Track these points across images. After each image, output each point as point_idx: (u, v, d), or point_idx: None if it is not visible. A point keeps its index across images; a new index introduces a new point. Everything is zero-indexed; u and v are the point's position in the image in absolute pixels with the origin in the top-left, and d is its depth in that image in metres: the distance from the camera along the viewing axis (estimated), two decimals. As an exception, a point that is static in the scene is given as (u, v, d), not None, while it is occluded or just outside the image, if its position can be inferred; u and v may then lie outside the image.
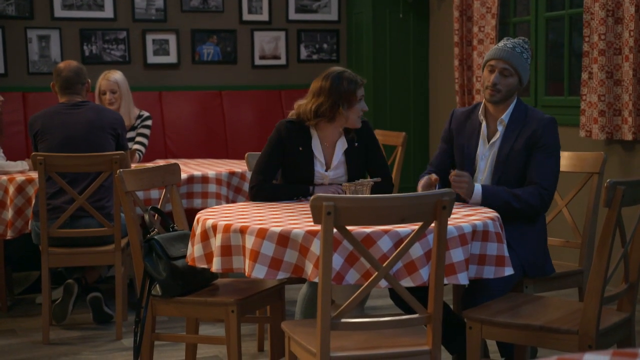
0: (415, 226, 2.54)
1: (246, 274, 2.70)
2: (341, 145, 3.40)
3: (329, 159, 3.40)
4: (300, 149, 3.35)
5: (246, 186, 4.62)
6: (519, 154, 3.11)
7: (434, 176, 3.11)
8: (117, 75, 4.93)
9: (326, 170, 3.38)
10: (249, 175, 4.41)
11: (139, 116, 5.04)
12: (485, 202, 3.05)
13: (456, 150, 3.28)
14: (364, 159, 3.44)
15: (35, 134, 4.17)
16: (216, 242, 2.80)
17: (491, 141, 3.19)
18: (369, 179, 3.23)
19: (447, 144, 3.33)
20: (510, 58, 3.11)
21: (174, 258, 3.00)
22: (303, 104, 3.37)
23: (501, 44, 3.17)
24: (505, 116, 3.17)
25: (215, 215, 2.96)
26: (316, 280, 2.51)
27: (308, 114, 3.32)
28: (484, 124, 3.22)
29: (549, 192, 3.08)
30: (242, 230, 2.73)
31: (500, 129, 3.18)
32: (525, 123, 3.13)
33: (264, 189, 3.32)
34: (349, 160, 3.40)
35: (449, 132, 3.32)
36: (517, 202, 3.05)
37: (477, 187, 3.06)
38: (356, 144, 3.41)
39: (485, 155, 3.20)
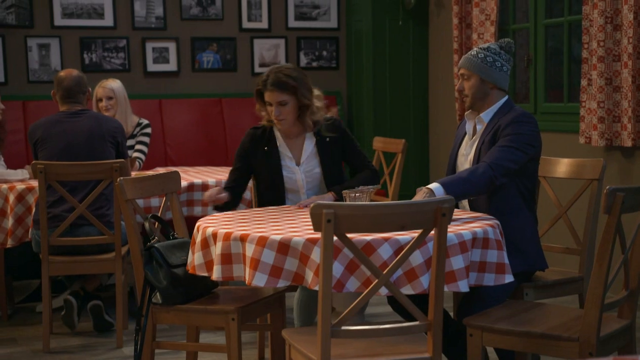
0: (415, 234, 2.55)
1: (246, 282, 2.70)
2: (310, 139, 3.52)
3: (298, 154, 3.52)
4: (266, 148, 3.51)
5: (247, 194, 4.63)
6: (486, 147, 3.14)
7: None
8: (113, 83, 4.96)
9: (297, 165, 3.49)
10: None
11: (138, 124, 5.05)
12: (448, 189, 2.98)
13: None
14: (339, 153, 3.55)
15: (35, 143, 4.17)
16: (216, 250, 2.81)
17: (472, 139, 3.23)
18: (368, 187, 3.24)
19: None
20: (464, 64, 3.25)
21: (175, 266, 3.00)
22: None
23: None
24: (485, 115, 3.21)
25: (216, 223, 2.96)
26: (316, 288, 2.51)
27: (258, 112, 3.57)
28: (467, 124, 3.29)
29: (496, 164, 3.02)
30: (243, 238, 2.73)
31: (479, 127, 3.23)
32: (501, 119, 3.16)
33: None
34: (321, 153, 3.51)
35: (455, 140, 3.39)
36: (470, 174, 3.01)
37: (435, 185, 3.00)
38: (327, 139, 3.52)
39: (467, 153, 3.24)
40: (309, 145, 3.52)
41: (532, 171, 3.19)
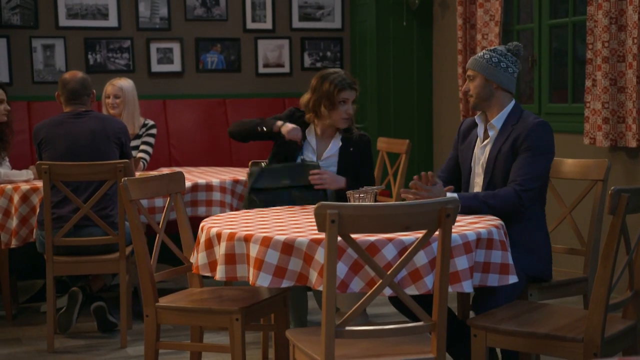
0: (419, 234, 2.54)
1: (250, 282, 2.70)
2: (336, 142, 3.72)
3: (322, 150, 3.72)
4: None
5: (238, 188, 4.63)
6: (505, 157, 3.14)
7: (430, 173, 3.12)
8: (124, 82, 4.98)
9: (318, 159, 3.71)
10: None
11: (144, 125, 5.06)
12: (463, 204, 3.03)
13: (459, 154, 3.34)
14: (354, 166, 3.74)
15: (39, 143, 4.18)
16: (220, 250, 2.81)
17: (483, 143, 3.23)
18: (373, 187, 3.24)
19: (455, 151, 3.38)
20: (470, 64, 3.26)
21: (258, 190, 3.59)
22: (304, 96, 3.77)
23: None
24: (496, 120, 3.21)
25: (220, 224, 2.96)
26: (320, 288, 2.51)
27: (303, 106, 3.76)
28: (479, 127, 3.28)
29: (526, 189, 3.06)
30: (247, 239, 2.73)
31: (492, 133, 3.23)
32: (515, 127, 3.16)
33: (239, 121, 3.81)
34: (341, 158, 3.71)
35: (457, 140, 3.38)
36: (493, 199, 3.06)
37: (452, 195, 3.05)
38: (351, 148, 3.71)
39: (479, 158, 3.24)
40: (334, 147, 3.72)
41: (548, 176, 3.21)
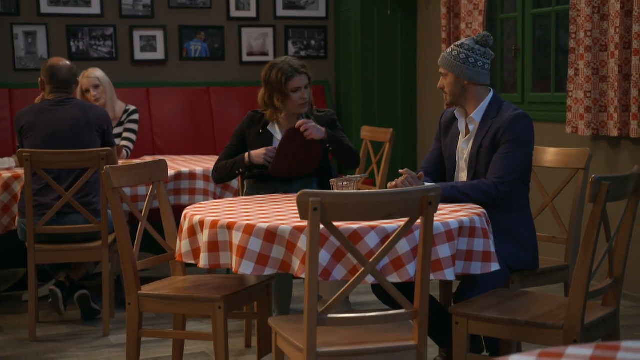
0: (402, 222, 2.55)
1: (233, 270, 2.70)
2: None
3: None
4: (261, 131, 3.72)
5: (234, 183, 4.65)
6: (486, 151, 3.15)
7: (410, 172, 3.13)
8: (96, 71, 4.95)
9: None
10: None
11: (125, 111, 5.02)
12: (445, 197, 3.06)
13: (443, 148, 3.33)
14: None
15: (20, 130, 4.15)
16: (203, 238, 2.81)
17: (465, 138, 3.24)
18: (356, 175, 3.24)
19: (438, 143, 3.38)
20: (440, 62, 3.25)
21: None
22: (260, 92, 3.75)
23: None
24: (475, 114, 3.21)
25: (203, 211, 2.96)
26: (303, 276, 2.52)
27: (261, 104, 3.73)
28: (459, 122, 3.28)
29: (504, 181, 3.08)
30: (229, 226, 2.73)
31: (472, 127, 3.22)
32: (494, 120, 3.16)
33: (215, 168, 3.77)
34: None
35: (439, 131, 3.37)
36: (471, 190, 3.07)
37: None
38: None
39: (462, 153, 3.24)
40: None
41: (530, 167, 3.22)
